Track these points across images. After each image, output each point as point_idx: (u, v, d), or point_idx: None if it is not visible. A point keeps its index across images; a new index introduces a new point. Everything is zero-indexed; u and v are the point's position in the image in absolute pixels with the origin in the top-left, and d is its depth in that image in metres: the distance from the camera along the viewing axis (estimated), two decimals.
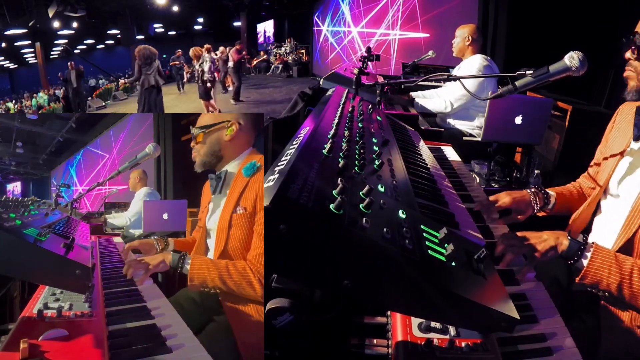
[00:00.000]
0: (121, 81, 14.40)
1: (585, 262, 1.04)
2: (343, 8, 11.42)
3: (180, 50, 14.13)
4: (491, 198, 1.44)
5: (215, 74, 7.65)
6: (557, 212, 1.48)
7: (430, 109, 3.11)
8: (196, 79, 7.72)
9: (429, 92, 3.31)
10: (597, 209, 1.36)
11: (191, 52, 7.84)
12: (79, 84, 10.11)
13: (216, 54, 7.78)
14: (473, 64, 2.98)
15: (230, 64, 9.84)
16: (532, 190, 1.46)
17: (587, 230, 1.39)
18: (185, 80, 13.01)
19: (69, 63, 10.22)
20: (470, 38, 3.04)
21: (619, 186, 1.27)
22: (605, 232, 1.27)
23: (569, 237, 1.06)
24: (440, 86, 3.44)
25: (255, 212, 1.35)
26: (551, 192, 1.48)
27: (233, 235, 1.38)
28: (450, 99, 2.99)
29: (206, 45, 7.89)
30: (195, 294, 1.54)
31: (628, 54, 1.21)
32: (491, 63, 3.03)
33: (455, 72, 3.17)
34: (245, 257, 1.35)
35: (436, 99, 3.09)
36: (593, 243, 1.06)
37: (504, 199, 1.43)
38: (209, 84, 7.52)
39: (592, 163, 1.50)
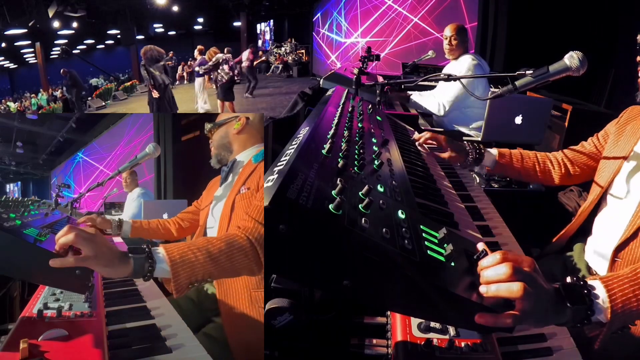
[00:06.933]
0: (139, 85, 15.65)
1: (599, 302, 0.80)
2: (336, 14, 11.54)
3: (172, 52, 15.25)
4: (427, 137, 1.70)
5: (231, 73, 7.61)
6: (498, 172, 1.63)
7: (424, 107, 3.10)
8: (215, 80, 7.64)
9: (426, 92, 3.31)
10: (596, 210, 1.36)
11: (207, 54, 7.71)
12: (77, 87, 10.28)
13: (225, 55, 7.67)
14: (462, 64, 2.97)
15: (246, 64, 10.76)
16: (471, 144, 1.60)
17: (585, 229, 1.39)
18: (177, 80, 15.12)
19: (61, 70, 10.50)
20: (457, 38, 3.03)
21: (622, 187, 1.27)
22: (608, 232, 1.26)
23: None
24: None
25: (258, 189, 1.35)
26: (493, 151, 1.58)
27: (235, 218, 1.37)
28: (443, 102, 2.97)
29: (213, 49, 7.81)
30: (192, 293, 1.53)
31: (639, 58, 1.20)
32: (481, 62, 3.02)
33: (444, 72, 3.17)
34: None
35: (431, 99, 3.08)
36: (596, 278, 0.85)
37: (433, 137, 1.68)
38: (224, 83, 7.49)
39: (589, 140, 1.51)
